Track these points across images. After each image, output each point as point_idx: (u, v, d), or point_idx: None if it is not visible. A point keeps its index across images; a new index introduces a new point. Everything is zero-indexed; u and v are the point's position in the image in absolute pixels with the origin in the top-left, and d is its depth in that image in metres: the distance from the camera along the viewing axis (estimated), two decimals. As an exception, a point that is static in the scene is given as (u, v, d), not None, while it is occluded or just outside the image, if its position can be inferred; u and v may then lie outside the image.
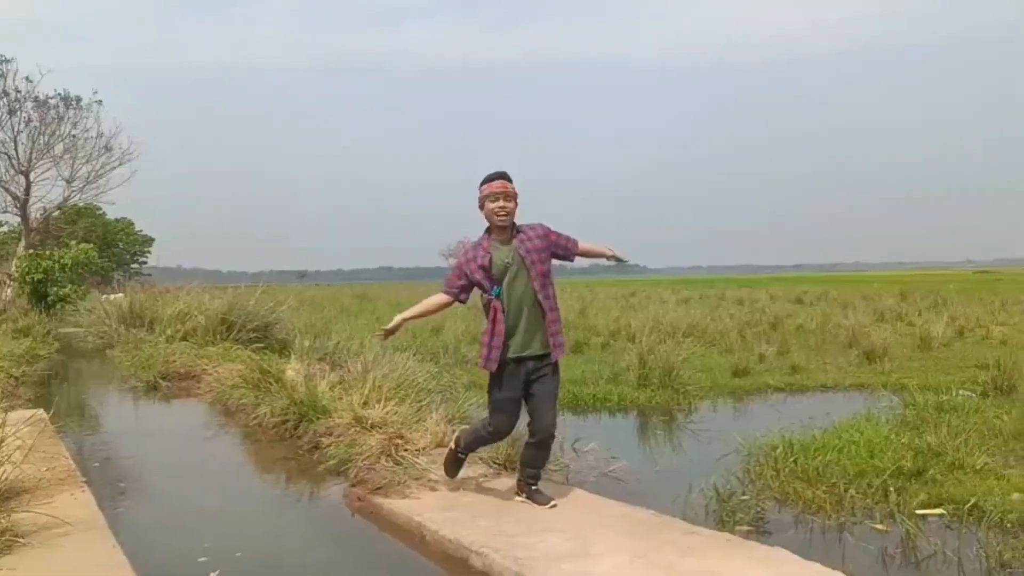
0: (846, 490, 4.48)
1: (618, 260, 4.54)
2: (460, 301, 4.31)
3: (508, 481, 4.73)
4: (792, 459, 5.03)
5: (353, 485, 4.82)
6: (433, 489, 4.52)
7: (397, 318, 4.42)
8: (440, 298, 4.32)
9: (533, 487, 4.30)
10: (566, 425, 6.76)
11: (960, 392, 7.54)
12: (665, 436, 6.73)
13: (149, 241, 59.75)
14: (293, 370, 7.27)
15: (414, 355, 7.73)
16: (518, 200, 4.21)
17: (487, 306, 4.12)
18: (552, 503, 4.18)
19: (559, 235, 4.32)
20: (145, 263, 59.75)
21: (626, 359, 9.40)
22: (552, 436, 4.25)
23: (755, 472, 4.97)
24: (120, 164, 29.34)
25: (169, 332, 12.13)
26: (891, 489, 4.43)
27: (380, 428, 5.29)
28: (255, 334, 11.00)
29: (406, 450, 4.87)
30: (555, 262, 4.37)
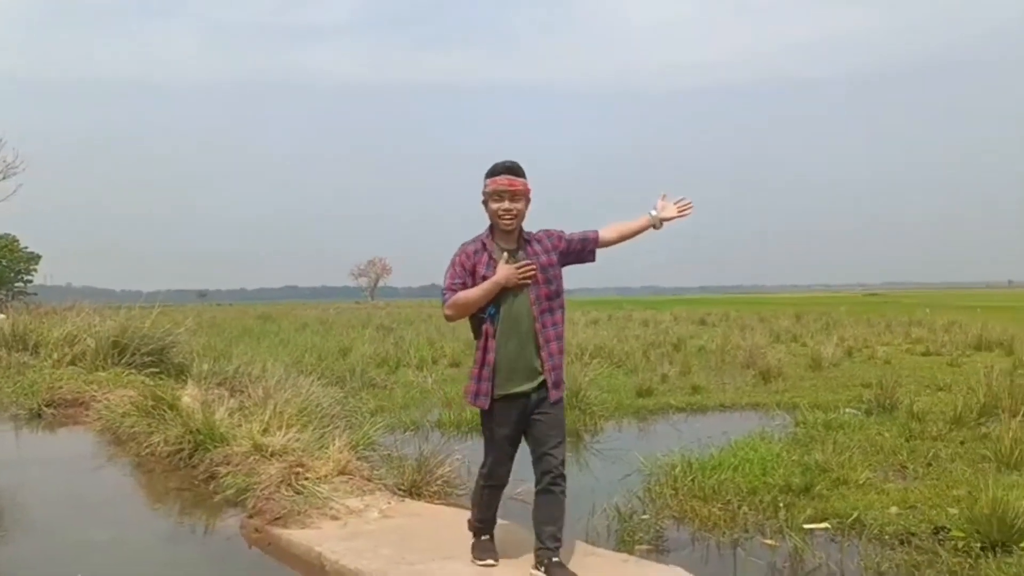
0: (740, 507, 4.66)
1: (662, 222, 3.70)
2: None
3: (414, 507, 4.68)
4: (690, 478, 5.20)
5: (251, 516, 4.66)
6: (335, 518, 4.42)
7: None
8: (458, 296, 3.45)
9: (554, 558, 3.36)
10: (475, 448, 6.78)
11: (846, 410, 7.97)
12: (572, 457, 6.79)
13: (35, 258, 56.45)
14: (189, 396, 6.99)
15: (319, 379, 7.58)
16: (530, 198, 3.49)
17: (477, 328, 3.49)
18: None
19: (572, 236, 3.60)
20: (31, 282, 56.38)
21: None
22: (563, 476, 3.48)
23: (655, 491, 5.11)
24: (3, 178, 27.65)
25: (56, 356, 11.43)
26: (781, 505, 4.65)
27: (280, 456, 5.14)
28: (150, 358, 10.48)
29: (307, 478, 4.75)
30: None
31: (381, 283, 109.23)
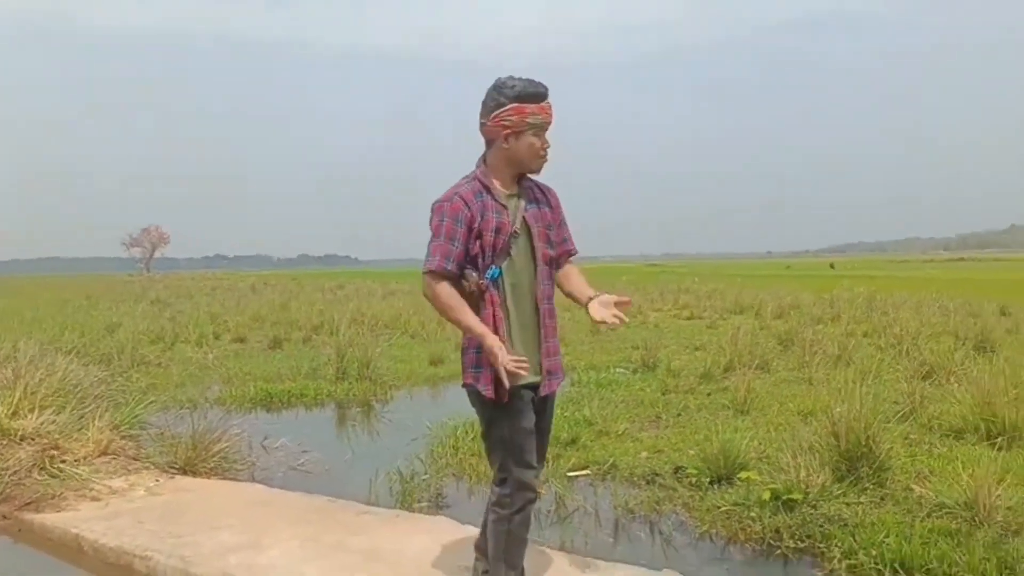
0: (513, 461, 4.99)
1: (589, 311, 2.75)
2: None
3: (185, 483, 4.53)
4: (471, 437, 5.47)
5: (-4, 504, 4.27)
6: (95, 499, 4.18)
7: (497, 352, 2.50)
8: (448, 290, 2.60)
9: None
10: (256, 423, 6.63)
11: (616, 370, 8.70)
12: (361, 427, 6.86)
13: None
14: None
15: (80, 358, 7.00)
16: None
17: (476, 294, 2.64)
18: None
19: (564, 224, 2.88)
20: None
21: (326, 353, 9.41)
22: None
23: (438, 453, 5.32)
24: None
25: None
26: (549, 456, 5.02)
27: (33, 439, 4.73)
28: None
29: (64, 461, 4.44)
30: None
31: (158, 254, 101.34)
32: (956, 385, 6.32)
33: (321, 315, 15.22)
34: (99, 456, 4.58)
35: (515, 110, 2.54)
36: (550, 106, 2.60)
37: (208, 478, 4.71)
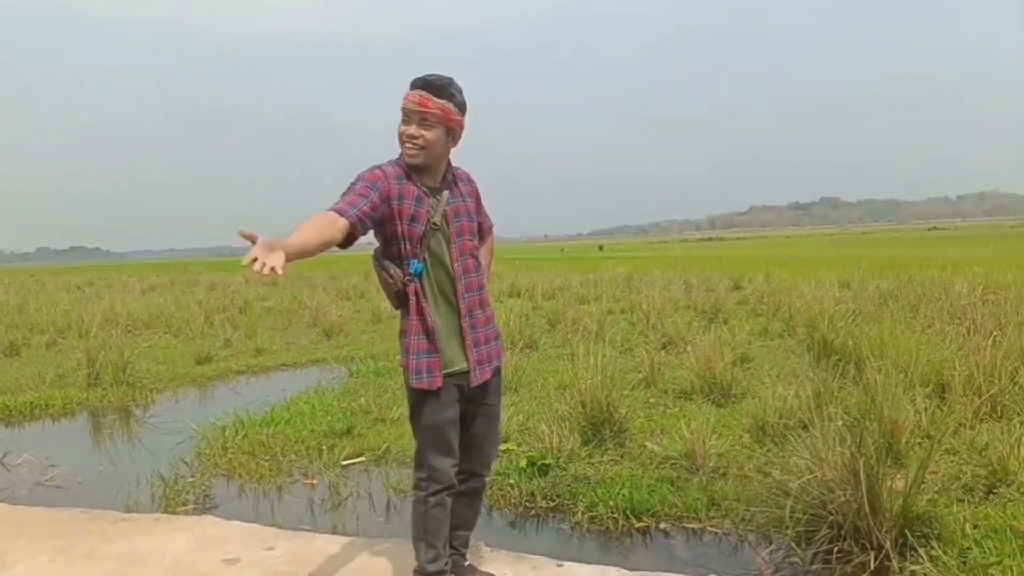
0: (284, 456, 5.00)
1: None
2: (353, 234, 2.50)
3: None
4: (241, 435, 5.38)
5: None
6: None
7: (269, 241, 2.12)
8: (328, 217, 2.43)
9: (466, 562, 3.01)
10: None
11: (397, 357, 8.85)
12: (118, 435, 6.43)
13: None
14: None
15: None
16: (454, 129, 2.65)
17: (400, 292, 2.65)
18: None
19: (481, 206, 2.92)
20: None
21: (75, 357, 8.64)
22: (489, 476, 3.04)
23: (205, 454, 5.17)
24: None
25: None
26: (324, 448, 5.11)
27: None
28: None
29: None
30: None
31: None
32: (689, 353, 7.23)
33: (67, 316, 13.81)
34: None
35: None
36: (416, 95, 2.58)
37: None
